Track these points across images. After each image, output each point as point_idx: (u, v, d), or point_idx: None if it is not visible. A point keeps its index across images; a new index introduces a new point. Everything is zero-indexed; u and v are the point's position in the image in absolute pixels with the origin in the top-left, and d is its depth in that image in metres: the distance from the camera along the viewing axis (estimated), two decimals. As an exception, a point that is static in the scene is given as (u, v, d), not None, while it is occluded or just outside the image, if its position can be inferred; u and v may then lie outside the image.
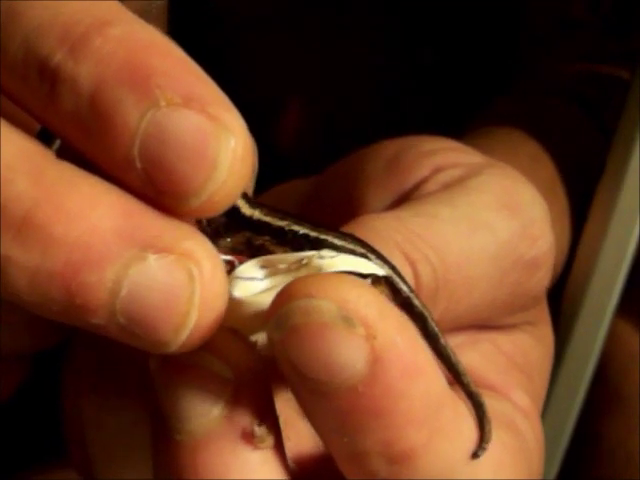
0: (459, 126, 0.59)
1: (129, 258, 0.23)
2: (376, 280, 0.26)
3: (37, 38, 0.23)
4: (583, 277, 0.55)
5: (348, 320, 0.23)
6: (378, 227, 0.29)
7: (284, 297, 0.24)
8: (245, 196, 0.27)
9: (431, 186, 0.33)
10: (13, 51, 0.23)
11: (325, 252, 0.26)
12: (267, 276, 0.26)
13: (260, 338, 0.26)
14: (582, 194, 0.57)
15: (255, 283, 0.25)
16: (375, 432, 0.24)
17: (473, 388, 0.28)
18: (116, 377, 0.29)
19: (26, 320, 0.27)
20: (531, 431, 0.31)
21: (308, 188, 0.39)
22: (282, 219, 0.27)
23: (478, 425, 0.27)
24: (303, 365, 0.23)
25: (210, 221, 0.26)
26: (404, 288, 0.27)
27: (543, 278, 0.33)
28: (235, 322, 0.25)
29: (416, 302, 0.27)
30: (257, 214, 0.27)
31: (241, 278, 0.25)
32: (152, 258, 0.23)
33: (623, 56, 0.64)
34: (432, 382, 0.25)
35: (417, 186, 0.33)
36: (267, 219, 0.27)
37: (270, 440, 0.25)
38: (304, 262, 0.26)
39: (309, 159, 0.50)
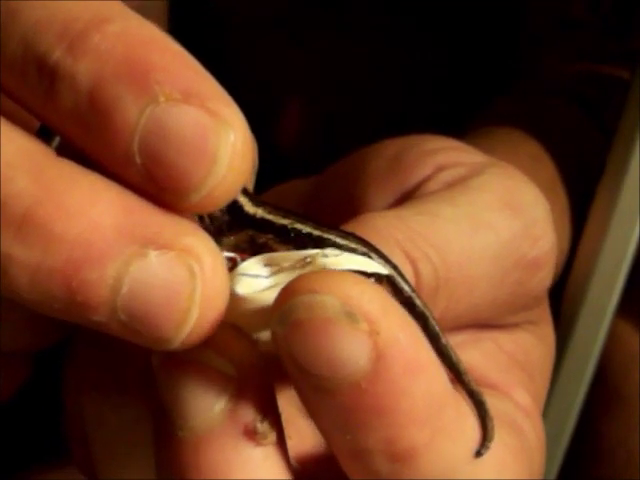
0: (459, 126, 0.59)
1: (130, 255, 0.23)
2: (378, 279, 0.26)
3: (36, 35, 0.23)
4: (583, 277, 0.55)
5: (351, 316, 0.23)
6: (379, 225, 0.29)
7: (288, 293, 0.24)
8: (248, 194, 0.27)
9: (433, 185, 0.33)
10: (12, 48, 0.23)
11: (329, 251, 0.26)
12: (271, 274, 0.26)
13: (263, 335, 0.26)
14: (582, 194, 0.57)
15: (259, 280, 0.25)
16: (377, 430, 0.24)
17: (474, 387, 0.28)
18: (118, 374, 0.29)
19: (27, 318, 0.27)
20: (532, 430, 0.31)
21: (308, 188, 0.39)
22: (285, 217, 0.27)
23: (480, 424, 0.27)
24: (306, 360, 0.23)
25: (213, 219, 0.26)
26: (406, 288, 0.27)
27: (545, 278, 0.33)
28: (238, 319, 0.25)
29: (417, 302, 0.27)
30: (260, 212, 0.27)
31: (245, 275, 0.25)
32: (153, 255, 0.23)
33: (623, 56, 0.64)
34: (434, 379, 0.25)
35: (419, 185, 0.33)
36: (270, 217, 0.27)
37: (272, 436, 0.25)
38: (308, 260, 0.25)
39: (309, 159, 0.50)
